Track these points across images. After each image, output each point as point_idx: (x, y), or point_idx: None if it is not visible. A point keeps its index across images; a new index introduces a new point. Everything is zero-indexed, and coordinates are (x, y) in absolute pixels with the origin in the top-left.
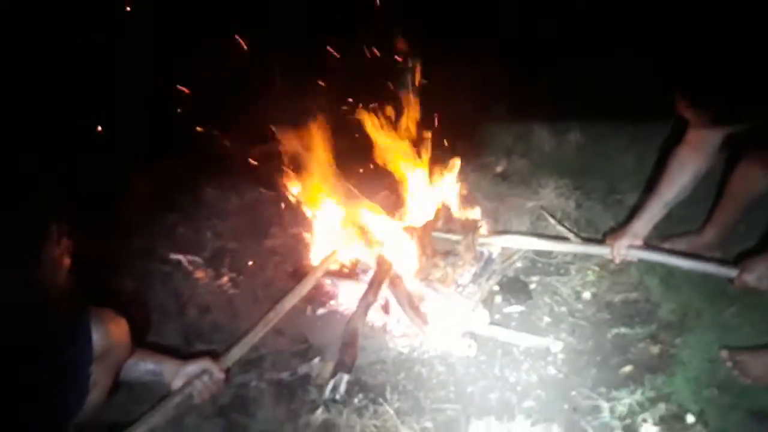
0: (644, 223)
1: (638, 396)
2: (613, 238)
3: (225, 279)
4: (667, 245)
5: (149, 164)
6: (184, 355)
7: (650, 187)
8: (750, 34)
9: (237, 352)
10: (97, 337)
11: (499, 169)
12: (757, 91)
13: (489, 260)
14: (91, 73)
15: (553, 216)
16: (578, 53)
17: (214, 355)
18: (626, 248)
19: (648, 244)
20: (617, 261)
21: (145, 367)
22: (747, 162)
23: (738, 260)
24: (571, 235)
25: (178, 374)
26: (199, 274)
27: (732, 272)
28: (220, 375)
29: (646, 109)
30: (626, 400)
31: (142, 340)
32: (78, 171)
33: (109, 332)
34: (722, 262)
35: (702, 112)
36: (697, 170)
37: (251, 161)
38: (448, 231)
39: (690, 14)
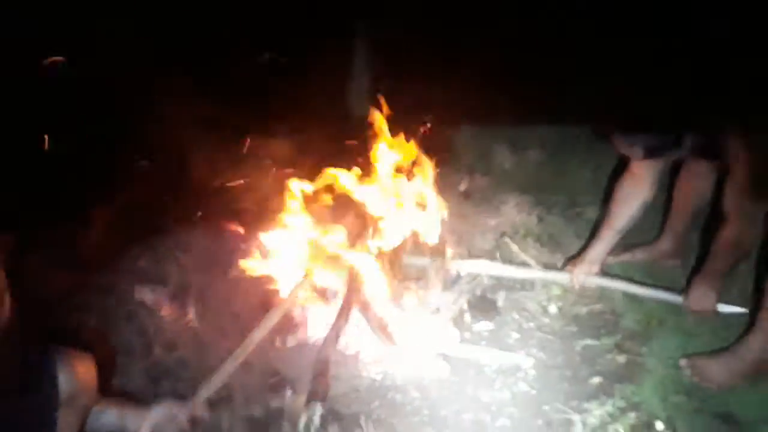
0: (599, 251)
1: (609, 407)
2: (572, 265)
3: (191, 314)
4: (627, 256)
5: (110, 193)
6: (149, 396)
7: (607, 200)
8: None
9: (205, 392)
10: (63, 380)
11: (462, 187)
12: (681, 123)
13: (457, 279)
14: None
15: (515, 237)
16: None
17: (180, 398)
18: (584, 275)
19: (605, 272)
20: (576, 287)
21: (108, 418)
22: (686, 172)
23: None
24: (532, 262)
25: (143, 424)
26: (163, 310)
27: (679, 298)
28: (184, 416)
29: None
30: (597, 411)
31: (106, 382)
32: (35, 200)
33: (76, 374)
34: (669, 289)
35: (635, 150)
36: (642, 199)
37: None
38: (417, 255)
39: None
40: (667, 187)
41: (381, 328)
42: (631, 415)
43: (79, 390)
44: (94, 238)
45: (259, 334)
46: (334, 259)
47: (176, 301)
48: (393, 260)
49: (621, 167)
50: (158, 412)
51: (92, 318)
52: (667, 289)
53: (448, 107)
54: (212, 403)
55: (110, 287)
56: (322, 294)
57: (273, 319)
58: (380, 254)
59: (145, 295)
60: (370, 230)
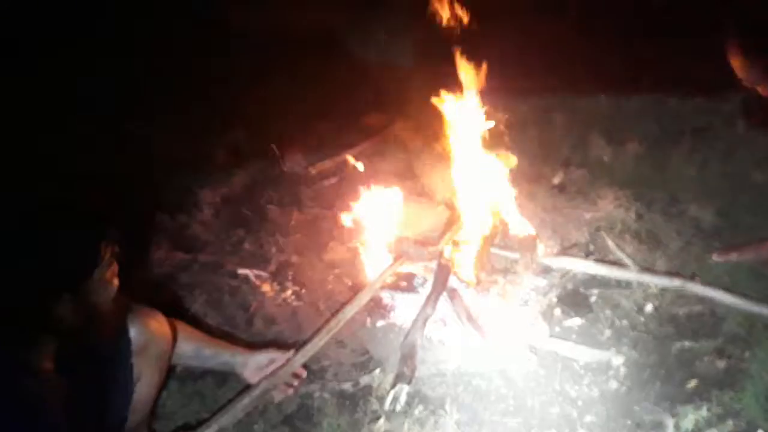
0: None
1: (704, 412)
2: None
3: (289, 292)
4: (734, 255)
5: (217, 182)
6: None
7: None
8: None
9: (301, 358)
10: (133, 331)
11: (556, 180)
12: None
13: (548, 273)
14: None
15: (611, 233)
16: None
17: (281, 345)
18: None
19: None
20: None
21: (219, 358)
22: None
23: None
24: (629, 262)
25: (248, 365)
26: (264, 287)
27: None
28: (296, 371)
29: (707, 117)
30: (692, 416)
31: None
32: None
33: (146, 325)
34: None
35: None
36: None
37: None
38: (506, 248)
39: None
40: None
41: (468, 317)
42: (729, 423)
43: (151, 341)
44: (202, 224)
45: (351, 309)
46: (422, 245)
47: (276, 280)
48: (480, 251)
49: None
50: (262, 356)
51: (200, 293)
52: None
53: (541, 95)
54: (307, 375)
55: (217, 266)
56: (412, 280)
57: (365, 296)
58: (470, 244)
59: (248, 273)
60: (460, 220)
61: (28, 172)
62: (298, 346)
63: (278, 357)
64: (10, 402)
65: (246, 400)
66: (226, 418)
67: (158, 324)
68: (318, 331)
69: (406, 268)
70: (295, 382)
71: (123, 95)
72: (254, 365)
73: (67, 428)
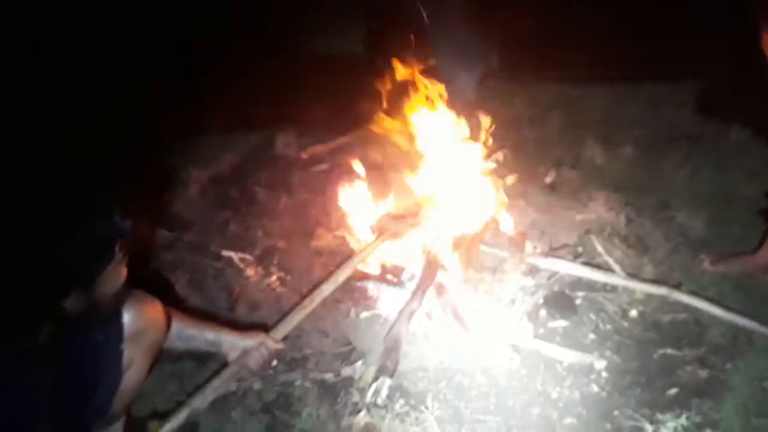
0: None
1: (683, 420)
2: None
3: (274, 278)
4: (721, 265)
5: (205, 161)
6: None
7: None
8: None
9: (287, 326)
10: (128, 317)
11: (548, 179)
12: None
13: (535, 273)
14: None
15: (600, 236)
16: (633, 64)
17: (266, 328)
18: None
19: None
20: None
21: (204, 337)
22: None
23: None
24: (616, 267)
25: (234, 347)
26: (249, 271)
27: None
28: (276, 345)
29: (701, 125)
30: (671, 423)
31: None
32: (136, 165)
33: (142, 312)
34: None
35: None
36: None
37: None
38: (495, 246)
39: None
40: None
41: (454, 313)
42: None
43: (144, 328)
44: (188, 202)
45: (329, 286)
46: (402, 218)
47: (261, 264)
48: (470, 248)
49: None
50: (250, 340)
51: (183, 273)
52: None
53: (536, 95)
54: (287, 363)
55: (201, 247)
56: (399, 273)
57: (344, 273)
58: (458, 240)
59: (233, 256)
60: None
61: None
62: (273, 322)
63: (265, 340)
64: None
65: (235, 368)
66: (217, 383)
67: (154, 312)
68: (295, 306)
69: (392, 258)
70: (272, 357)
71: (116, 71)
72: (239, 349)
73: (49, 409)
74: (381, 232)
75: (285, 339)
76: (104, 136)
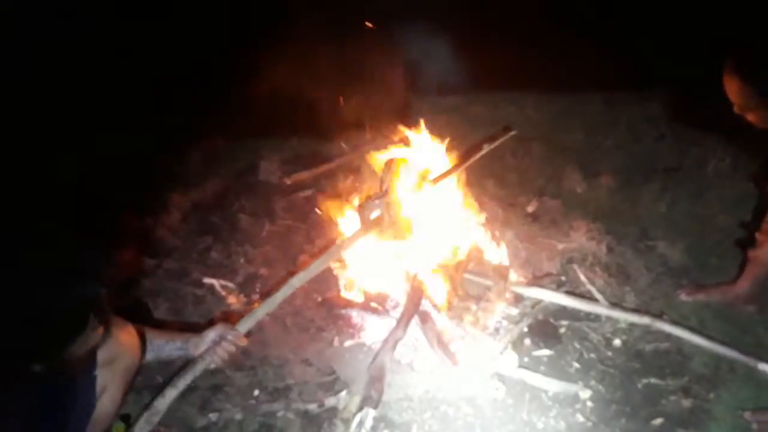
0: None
1: None
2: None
3: (256, 305)
4: (701, 295)
5: (188, 186)
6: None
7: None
8: None
9: (253, 319)
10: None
11: (530, 209)
12: None
13: (519, 301)
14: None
15: (582, 264)
16: (612, 95)
17: (232, 321)
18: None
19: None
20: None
21: (172, 345)
22: None
23: None
24: (600, 297)
25: (199, 346)
26: (231, 299)
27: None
28: (237, 334)
29: (678, 157)
30: None
31: None
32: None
33: (116, 338)
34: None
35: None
36: None
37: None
38: (479, 274)
39: None
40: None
41: (438, 342)
42: None
43: (119, 353)
44: (170, 228)
45: (296, 281)
46: (397, 268)
47: (243, 291)
48: (454, 276)
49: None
50: (212, 333)
51: (163, 301)
52: (739, 346)
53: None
54: (270, 392)
55: (182, 273)
56: (384, 302)
57: (328, 259)
58: (442, 268)
59: (214, 283)
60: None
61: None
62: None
63: (227, 332)
64: None
65: (200, 364)
66: (182, 381)
67: (128, 337)
68: (262, 298)
69: (376, 287)
70: (233, 349)
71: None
72: (205, 345)
73: None
74: (365, 225)
75: (249, 334)
76: (86, 160)
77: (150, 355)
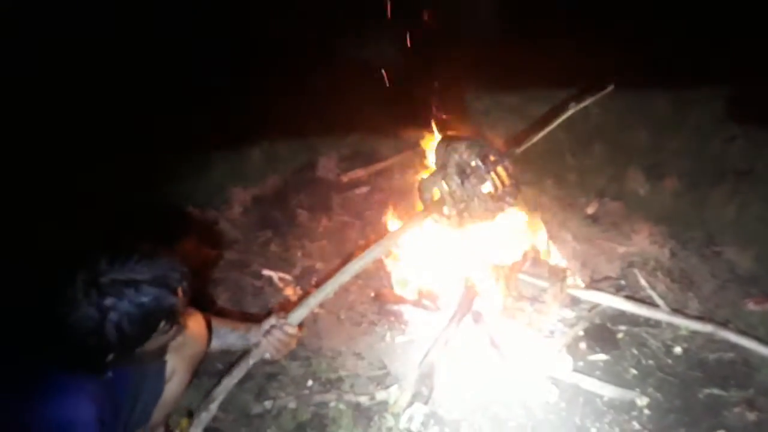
0: None
1: None
2: None
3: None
4: (751, 305)
5: (249, 181)
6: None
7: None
8: None
9: (306, 309)
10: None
11: (590, 210)
12: None
13: (577, 304)
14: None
15: (643, 269)
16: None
17: (288, 310)
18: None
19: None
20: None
21: (235, 334)
22: None
23: None
24: (661, 303)
25: (258, 333)
26: (287, 291)
27: None
28: (290, 328)
29: (750, 160)
30: None
31: None
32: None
33: (185, 325)
34: None
35: None
36: None
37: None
38: (535, 275)
39: None
40: None
41: (491, 342)
42: None
43: (188, 340)
44: (231, 221)
45: (359, 264)
46: (453, 266)
47: (299, 284)
48: (509, 276)
49: None
50: (265, 324)
51: (223, 291)
52: None
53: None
54: (323, 383)
55: (242, 265)
56: (435, 299)
57: (377, 251)
58: (498, 268)
59: (272, 275)
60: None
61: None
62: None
63: (280, 322)
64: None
65: (253, 358)
66: (237, 372)
67: (197, 325)
68: (312, 289)
69: (430, 284)
70: (293, 343)
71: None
72: (261, 334)
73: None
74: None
75: (302, 325)
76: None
77: (215, 343)
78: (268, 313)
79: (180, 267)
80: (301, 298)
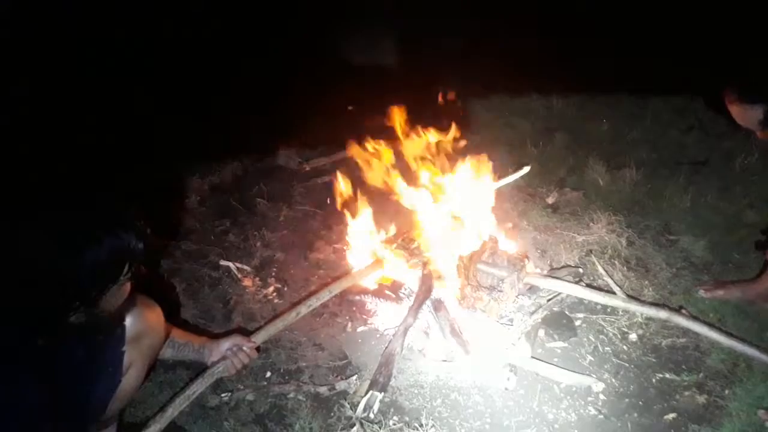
0: None
1: None
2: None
3: (271, 289)
4: (720, 292)
5: (207, 170)
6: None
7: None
8: None
9: (265, 334)
10: (130, 321)
11: (550, 200)
12: None
13: (535, 292)
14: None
15: (601, 257)
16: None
17: (246, 333)
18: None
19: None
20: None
21: (190, 347)
22: None
23: None
24: (618, 290)
25: (213, 354)
26: (246, 282)
27: None
28: (250, 346)
29: (706, 152)
30: None
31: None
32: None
33: (144, 315)
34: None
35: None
36: None
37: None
38: (494, 265)
39: None
40: None
41: (451, 330)
42: None
43: (146, 330)
44: (188, 210)
45: (325, 295)
46: (406, 251)
47: (258, 275)
48: (468, 265)
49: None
50: (227, 342)
51: (180, 282)
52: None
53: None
54: (281, 374)
55: (199, 255)
56: (396, 288)
57: (341, 285)
58: (457, 257)
59: (231, 266)
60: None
61: None
62: (256, 329)
63: (242, 344)
64: None
65: (214, 373)
66: (196, 388)
67: (155, 316)
68: (277, 316)
69: (392, 272)
70: (246, 360)
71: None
72: (219, 354)
73: (47, 408)
74: (377, 259)
75: (258, 349)
76: (107, 141)
77: (168, 352)
78: (229, 332)
79: (141, 218)
80: (260, 292)
